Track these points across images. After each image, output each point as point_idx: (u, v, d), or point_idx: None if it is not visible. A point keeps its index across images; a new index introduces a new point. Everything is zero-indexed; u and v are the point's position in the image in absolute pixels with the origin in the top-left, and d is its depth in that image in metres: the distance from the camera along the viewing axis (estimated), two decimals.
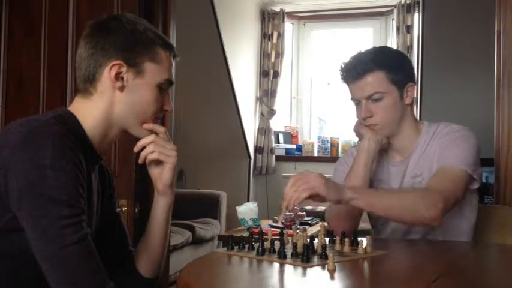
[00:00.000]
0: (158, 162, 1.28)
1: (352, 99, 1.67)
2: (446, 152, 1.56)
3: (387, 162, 1.72)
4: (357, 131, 1.68)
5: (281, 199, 1.36)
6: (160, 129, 1.27)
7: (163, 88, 1.26)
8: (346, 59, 1.66)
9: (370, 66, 1.59)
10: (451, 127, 1.63)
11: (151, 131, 1.26)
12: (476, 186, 1.58)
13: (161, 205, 1.32)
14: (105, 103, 1.22)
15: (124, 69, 1.20)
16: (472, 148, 1.56)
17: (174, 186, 1.32)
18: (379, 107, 1.61)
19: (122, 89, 1.21)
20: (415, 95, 1.70)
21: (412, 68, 1.70)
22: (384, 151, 1.71)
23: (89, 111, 1.22)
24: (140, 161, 1.28)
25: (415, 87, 1.66)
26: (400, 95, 1.62)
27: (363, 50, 1.67)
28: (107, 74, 1.20)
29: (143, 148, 1.27)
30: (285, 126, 5.74)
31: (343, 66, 1.65)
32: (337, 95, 5.45)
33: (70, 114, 1.21)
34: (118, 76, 1.20)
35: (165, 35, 1.31)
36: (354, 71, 1.61)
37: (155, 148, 1.26)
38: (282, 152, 5.55)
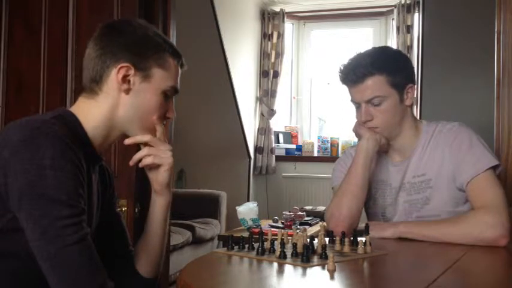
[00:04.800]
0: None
1: (352, 101, 1.67)
2: (464, 164, 1.58)
3: (387, 162, 1.72)
4: (356, 131, 1.68)
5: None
6: (160, 128, 1.27)
7: (168, 95, 1.26)
8: (345, 60, 1.65)
9: (369, 70, 1.58)
10: (449, 127, 1.65)
11: (150, 131, 1.26)
12: (500, 169, 1.60)
13: (159, 205, 1.32)
14: (109, 104, 1.22)
15: (132, 72, 1.21)
16: (477, 141, 1.60)
17: (171, 186, 1.32)
18: (379, 110, 1.61)
19: (127, 91, 1.22)
20: (415, 96, 1.70)
21: (412, 69, 1.69)
22: (383, 152, 1.72)
23: (92, 112, 1.22)
24: (131, 163, 1.28)
25: (415, 87, 1.66)
26: (400, 97, 1.62)
27: (362, 51, 1.66)
28: (114, 76, 1.21)
29: (137, 146, 1.27)
30: (285, 126, 5.74)
31: (342, 68, 1.64)
32: (337, 95, 5.46)
33: (71, 114, 1.21)
34: (125, 79, 1.21)
35: (171, 41, 1.31)
36: (353, 74, 1.60)
37: (149, 151, 1.26)
38: (282, 152, 5.56)
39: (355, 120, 1.69)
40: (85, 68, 1.25)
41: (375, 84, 1.59)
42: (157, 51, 1.23)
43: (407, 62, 1.71)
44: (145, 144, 1.27)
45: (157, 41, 1.24)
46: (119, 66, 1.20)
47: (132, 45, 1.22)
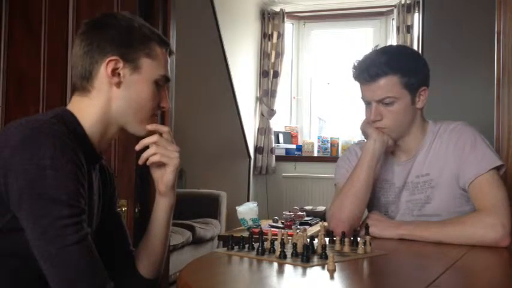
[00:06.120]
0: (160, 164, 1.28)
1: (362, 98, 1.65)
2: (466, 164, 1.57)
3: (392, 162, 1.72)
4: (364, 130, 1.66)
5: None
6: (164, 129, 1.27)
7: (159, 84, 1.26)
8: (360, 57, 1.62)
9: (383, 69, 1.56)
10: (452, 127, 1.64)
11: (154, 132, 1.26)
12: (504, 169, 1.60)
13: (162, 206, 1.32)
14: (102, 100, 1.22)
15: (121, 64, 1.20)
16: (481, 141, 1.59)
17: (175, 187, 1.32)
18: (389, 111, 1.59)
19: (118, 84, 1.21)
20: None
21: (428, 71, 1.65)
22: (390, 153, 1.71)
23: (87, 109, 1.22)
24: (140, 162, 1.28)
25: (428, 91, 1.63)
26: (412, 99, 1.60)
27: (378, 48, 1.64)
28: (104, 70, 1.20)
29: (145, 148, 1.27)
30: (285, 126, 5.74)
31: (356, 64, 1.62)
32: (337, 95, 5.45)
33: (70, 113, 1.21)
34: (115, 72, 1.20)
35: (161, 33, 1.31)
36: (367, 73, 1.58)
37: (157, 150, 1.26)
38: (282, 152, 5.55)
39: (364, 118, 1.66)
40: (74, 67, 1.24)
41: (388, 85, 1.56)
42: (143, 41, 1.23)
43: (424, 63, 1.66)
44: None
45: (142, 31, 1.23)
46: (107, 60, 1.20)
47: (117, 37, 1.21)
